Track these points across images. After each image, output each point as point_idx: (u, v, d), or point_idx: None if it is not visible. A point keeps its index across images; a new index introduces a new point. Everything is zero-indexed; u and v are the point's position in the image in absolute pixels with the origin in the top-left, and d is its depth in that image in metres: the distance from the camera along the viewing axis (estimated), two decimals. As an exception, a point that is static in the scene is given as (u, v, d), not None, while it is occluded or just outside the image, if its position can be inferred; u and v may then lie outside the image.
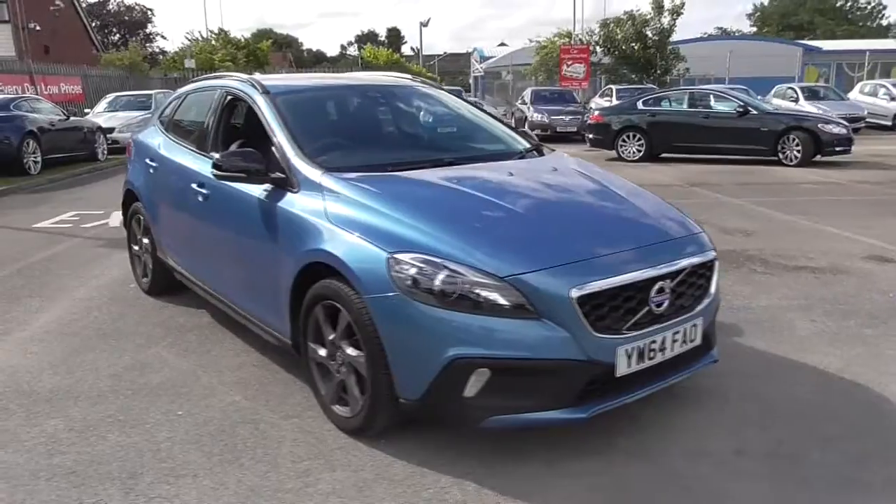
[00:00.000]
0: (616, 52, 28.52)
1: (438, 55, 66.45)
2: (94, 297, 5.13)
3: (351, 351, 2.91)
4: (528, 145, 3.98)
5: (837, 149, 12.56)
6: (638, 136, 13.99)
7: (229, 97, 4.14)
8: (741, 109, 13.15)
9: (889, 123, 20.37)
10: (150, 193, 4.73)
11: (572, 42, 28.62)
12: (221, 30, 37.48)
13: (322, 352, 3.10)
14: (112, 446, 2.97)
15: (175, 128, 4.75)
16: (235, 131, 4.19)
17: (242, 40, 35.91)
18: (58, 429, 3.13)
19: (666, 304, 2.77)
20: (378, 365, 2.73)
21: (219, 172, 3.40)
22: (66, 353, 4.01)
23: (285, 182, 3.30)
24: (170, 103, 5.03)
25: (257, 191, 3.41)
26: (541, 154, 3.92)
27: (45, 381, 3.64)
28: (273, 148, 3.44)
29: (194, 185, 3.98)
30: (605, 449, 2.85)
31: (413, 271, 2.62)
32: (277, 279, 3.27)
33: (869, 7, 61.84)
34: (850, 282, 5.22)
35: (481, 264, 2.58)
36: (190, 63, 29.25)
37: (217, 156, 3.42)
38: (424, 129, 4.28)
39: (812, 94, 21.05)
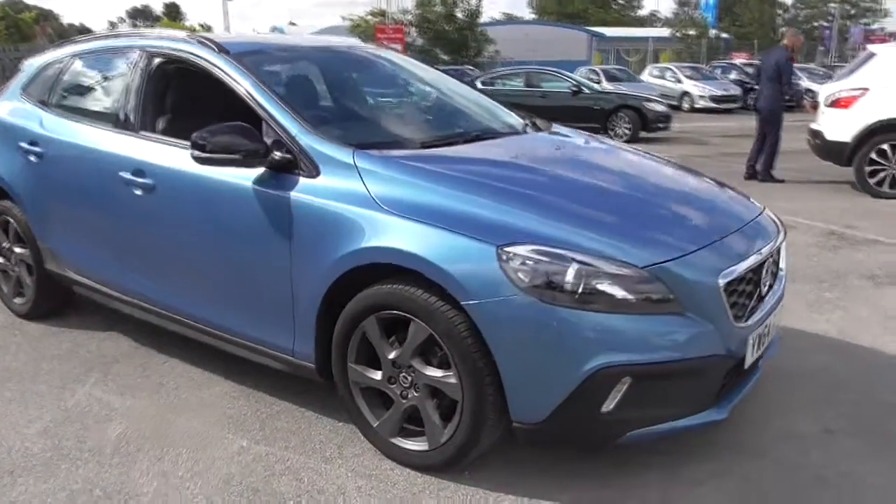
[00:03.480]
0: (430, 33, 28.66)
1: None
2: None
3: (431, 371, 2.37)
4: (523, 120, 3.58)
5: (660, 125, 13.58)
6: (479, 115, 14.04)
7: (158, 59, 3.25)
8: (575, 89, 13.75)
9: (677, 104, 22.60)
10: (34, 188, 3.62)
11: (386, 21, 28.26)
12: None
13: (375, 375, 2.51)
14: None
15: (64, 102, 3.68)
16: (176, 102, 3.30)
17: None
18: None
19: (768, 285, 2.58)
20: (481, 385, 2.23)
21: (201, 155, 2.60)
22: (-47, 410, 2.94)
23: (294, 165, 2.61)
24: (40, 72, 3.90)
25: (247, 178, 2.68)
26: (543, 130, 3.54)
27: (-56, 455, 2.61)
28: (265, 124, 2.71)
29: (125, 175, 3.07)
30: (709, 449, 2.60)
31: (536, 266, 2.15)
32: (293, 290, 2.60)
33: (626, -1, 68.53)
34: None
35: (616, 253, 2.18)
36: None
37: (195, 134, 2.61)
38: (423, 99, 3.71)
39: (611, 77, 22.68)
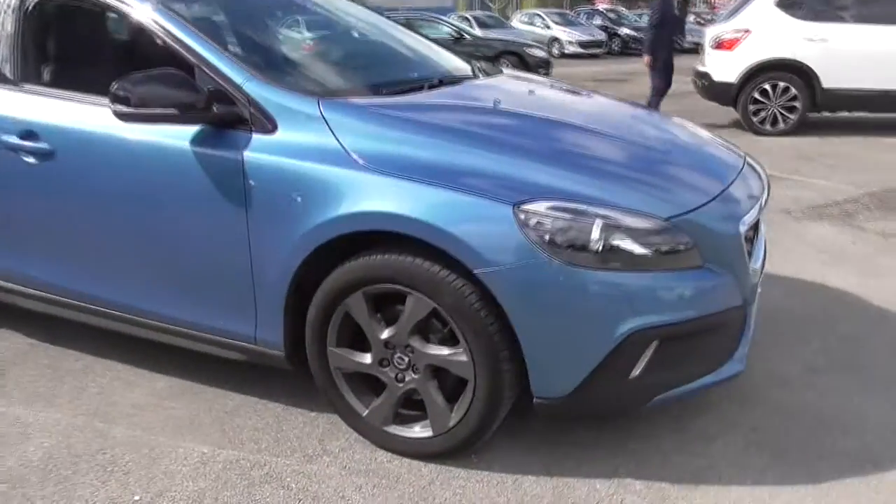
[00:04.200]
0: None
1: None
2: None
3: (435, 350, 2.08)
4: (470, 65, 3.27)
5: (541, 70, 13.61)
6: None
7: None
8: (456, 35, 13.49)
9: (547, 50, 22.89)
10: None
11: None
12: None
13: (364, 358, 2.19)
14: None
15: None
16: (68, 46, 2.70)
17: None
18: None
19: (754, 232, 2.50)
20: (497, 361, 1.99)
21: (125, 110, 2.11)
22: None
23: (241, 120, 2.18)
24: None
25: (181, 137, 2.22)
26: (493, 74, 3.25)
27: None
28: (200, 73, 2.25)
29: (8, 139, 2.49)
30: (710, 403, 2.51)
31: (557, 225, 1.90)
32: (253, 268, 2.22)
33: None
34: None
35: (639, 205, 1.97)
36: None
37: (115, 85, 2.10)
38: (373, 43, 3.27)
39: (482, 24, 22.53)
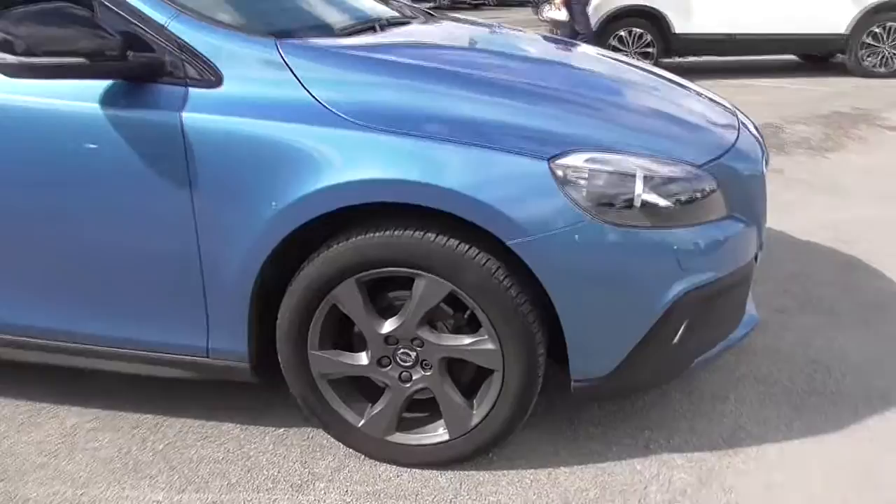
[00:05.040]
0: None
1: None
2: None
3: (453, 340, 1.75)
4: (398, 10, 2.85)
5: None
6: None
7: None
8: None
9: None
10: None
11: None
12: None
13: (359, 360, 1.81)
14: None
15: None
16: None
17: None
18: None
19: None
20: (532, 345, 1.70)
21: (14, 61, 1.52)
22: None
23: (171, 71, 1.68)
24: None
25: (84, 95, 1.68)
26: (436, 16, 2.87)
27: None
28: (109, 8, 1.68)
29: None
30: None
31: (596, 181, 1.62)
32: (202, 263, 1.75)
33: None
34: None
35: (674, 151, 1.73)
36: None
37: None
38: None
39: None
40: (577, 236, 1.60)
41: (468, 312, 1.73)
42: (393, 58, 1.83)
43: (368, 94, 1.66)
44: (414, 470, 1.88)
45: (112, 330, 1.87)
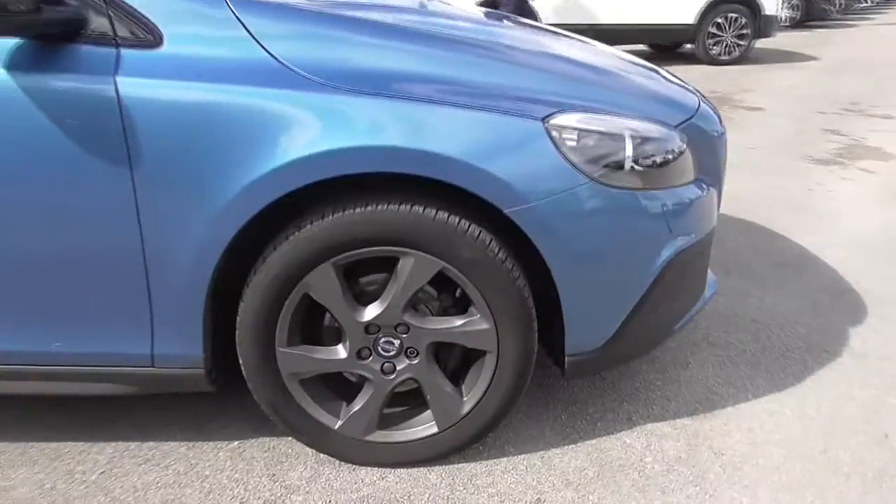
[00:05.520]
0: None
1: None
2: None
3: (442, 323, 1.60)
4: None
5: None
6: None
7: None
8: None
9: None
10: None
11: None
12: None
13: (337, 353, 1.62)
14: None
15: None
16: None
17: None
18: None
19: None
20: (529, 322, 1.59)
21: None
22: None
23: (97, 30, 1.41)
24: None
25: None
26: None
27: None
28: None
29: None
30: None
31: (590, 140, 1.54)
32: (146, 256, 1.49)
33: None
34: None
35: (651, 111, 1.69)
36: None
37: None
38: None
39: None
40: (577, 200, 1.51)
41: (458, 291, 1.60)
42: (361, 14, 1.65)
43: (337, 52, 1.48)
44: (398, 470, 1.71)
45: (29, 344, 1.55)
